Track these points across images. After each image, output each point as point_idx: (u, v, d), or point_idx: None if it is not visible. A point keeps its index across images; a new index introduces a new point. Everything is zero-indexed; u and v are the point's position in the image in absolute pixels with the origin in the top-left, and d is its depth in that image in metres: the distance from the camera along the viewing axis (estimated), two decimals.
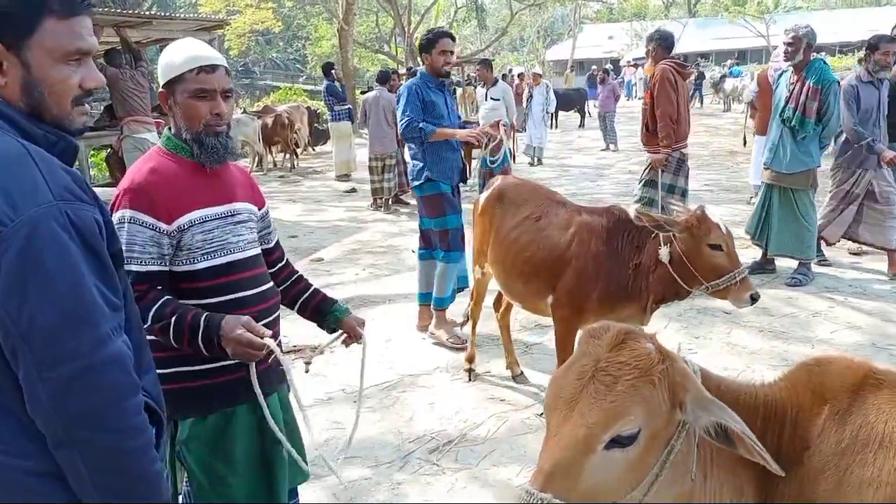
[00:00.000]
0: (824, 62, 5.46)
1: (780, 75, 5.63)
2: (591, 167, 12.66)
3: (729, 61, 28.01)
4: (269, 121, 13.04)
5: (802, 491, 1.32)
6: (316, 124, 17.01)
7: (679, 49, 36.26)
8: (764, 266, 5.74)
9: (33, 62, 1.23)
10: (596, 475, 1.24)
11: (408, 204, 9.43)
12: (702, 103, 24.03)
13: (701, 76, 24.33)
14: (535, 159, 13.02)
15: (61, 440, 1.15)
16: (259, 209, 2.09)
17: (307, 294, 2.23)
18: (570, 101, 20.71)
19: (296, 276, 2.26)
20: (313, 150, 16.81)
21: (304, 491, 2.70)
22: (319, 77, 39.58)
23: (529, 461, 3.21)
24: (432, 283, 4.69)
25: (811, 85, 5.20)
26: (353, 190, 11.04)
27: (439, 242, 4.60)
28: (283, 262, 2.25)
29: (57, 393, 1.12)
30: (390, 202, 9.50)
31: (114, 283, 1.22)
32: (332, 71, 12.04)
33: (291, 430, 2.12)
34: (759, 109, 7.15)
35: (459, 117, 6.29)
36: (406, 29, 27.39)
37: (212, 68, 1.86)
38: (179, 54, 1.87)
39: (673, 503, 1.34)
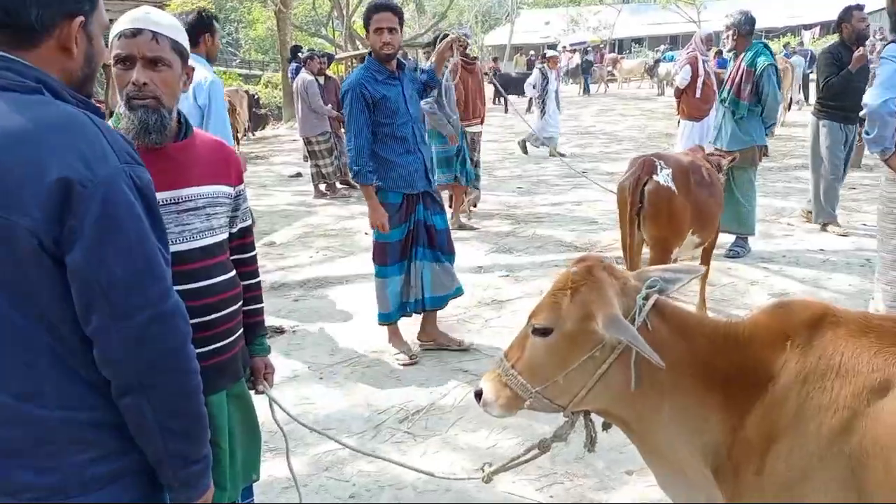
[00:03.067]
0: (765, 46, 5.77)
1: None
2: (536, 152, 12.88)
3: (662, 47, 28.83)
4: None
5: (766, 416, 1.48)
6: (255, 109, 16.73)
7: (614, 34, 37.13)
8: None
9: (94, 34, 1.31)
10: (528, 352, 1.70)
11: (356, 187, 9.42)
12: (588, 92, 24.73)
13: (588, 63, 25.03)
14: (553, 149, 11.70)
15: (131, 387, 1.23)
16: (234, 187, 1.93)
17: (248, 308, 2.04)
18: (521, 84, 20.88)
19: (252, 281, 2.07)
20: (253, 134, 16.54)
21: (283, 464, 2.76)
22: (255, 60, 38.77)
23: (496, 426, 3.35)
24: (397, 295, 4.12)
25: (745, 68, 5.55)
26: (299, 175, 10.94)
27: (375, 253, 4.10)
28: (246, 257, 2.06)
29: (131, 342, 1.21)
30: (336, 186, 9.45)
31: (165, 239, 1.31)
32: (300, 54, 11.76)
33: (250, 426, 2.07)
34: (688, 94, 7.43)
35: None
36: (344, 11, 27.05)
37: (132, 33, 1.70)
38: (117, 24, 1.76)
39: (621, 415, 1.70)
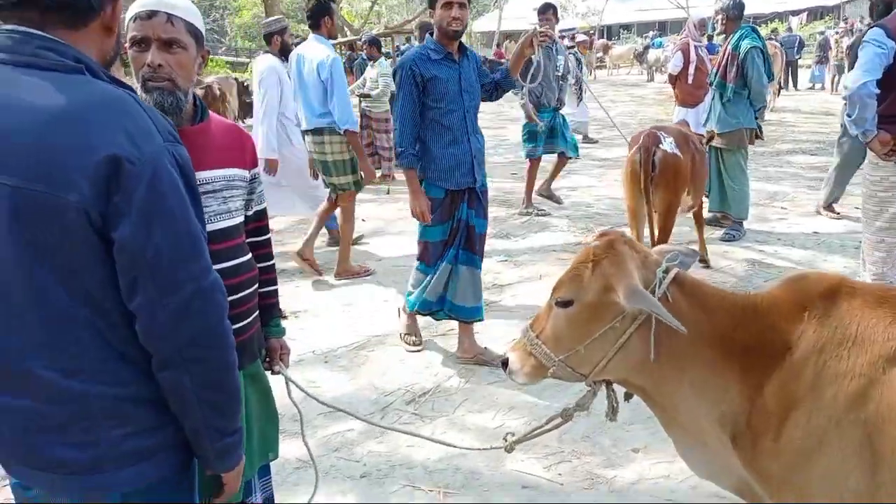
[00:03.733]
0: (753, 29, 5.84)
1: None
2: None
3: (651, 33, 28.84)
4: (200, 92, 12.57)
5: (784, 386, 1.53)
6: (244, 96, 16.60)
7: (603, 21, 37.03)
8: (720, 221, 6.09)
9: (119, 16, 1.34)
10: (552, 322, 1.76)
11: None
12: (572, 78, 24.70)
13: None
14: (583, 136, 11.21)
15: (172, 361, 1.26)
16: (249, 171, 1.95)
17: (263, 290, 2.08)
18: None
19: (267, 264, 2.12)
20: (243, 122, 16.43)
21: (294, 445, 2.79)
22: (242, 48, 38.38)
23: (501, 407, 3.40)
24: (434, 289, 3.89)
25: (730, 51, 5.69)
26: None
27: (418, 250, 3.95)
28: (261, 240, 2.09)
29: (175, 316, 1.23)
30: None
31: (203, 217, 1.34)
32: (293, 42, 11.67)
33: (267, 405, 2.10)
34: (681, 80, 7.50)
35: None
36: None
37: (147, 15, 1.70)
38: (132, 6, 1.76)
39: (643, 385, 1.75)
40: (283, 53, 5.52)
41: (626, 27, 37.99)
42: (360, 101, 9.07)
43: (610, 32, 37.82)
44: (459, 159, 3.67)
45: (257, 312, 2.02)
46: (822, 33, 21.58)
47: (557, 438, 3.07)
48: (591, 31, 33.97)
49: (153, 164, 1.21)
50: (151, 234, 1.20)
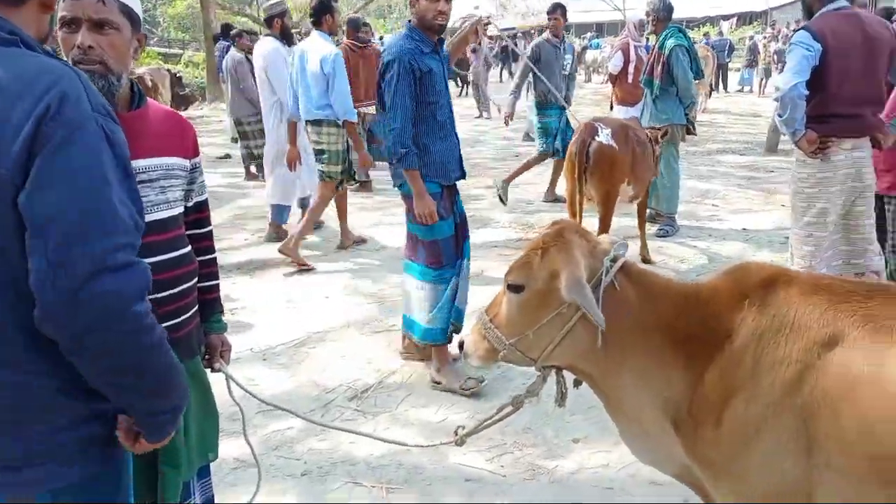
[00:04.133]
0: (679, 30, 6.07)
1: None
2: (468, 134, 12.96)
3: (588, 34, 29.37)
4: None
5: (724, 373, 1.57)
6: (178, 88, 16.13)
7: (543, 21, 37.55)
8: (654, 217, 6.24)
9: None
10: (504, 307, 1.79)
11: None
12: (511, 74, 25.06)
13: (504, 49, 25.33)
14: None
15: (73, 349, 1.15)
16: (189, 160, 1.88)
17: (203, 284, 1.99)
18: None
19: (208, 257, 2.02)
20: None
21: (232, 444, 2.72)
22: (175, 39, 37.25)
23: (444, 402, 3.39)
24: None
25: (657, 50, 5.96)
26: (227, 156, 10.64)
27: (426, 256, 3.54)
28: (202, 232, 2.00)
29: (67, 298, 1.10)
30: None
31: (139, 205, 1.25)
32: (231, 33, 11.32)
33: (207, 404, 2.02)
34: (621, 79, 7.66)
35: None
36: None
37: None
38: None
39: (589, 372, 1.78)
40: (284, 36, 5.83)
41: (565, 28, 38.58)
42: None
43: None
44: (451, 154, 3.56)
45: (197, 307, 1.94)
46: (751, 38, 22.43)
47: (500, 431, 3.07)
48: (532, 31, 34.43)
49: (69, 127, 1.13)
50: (47, 196, 1.10)
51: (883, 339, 1.44)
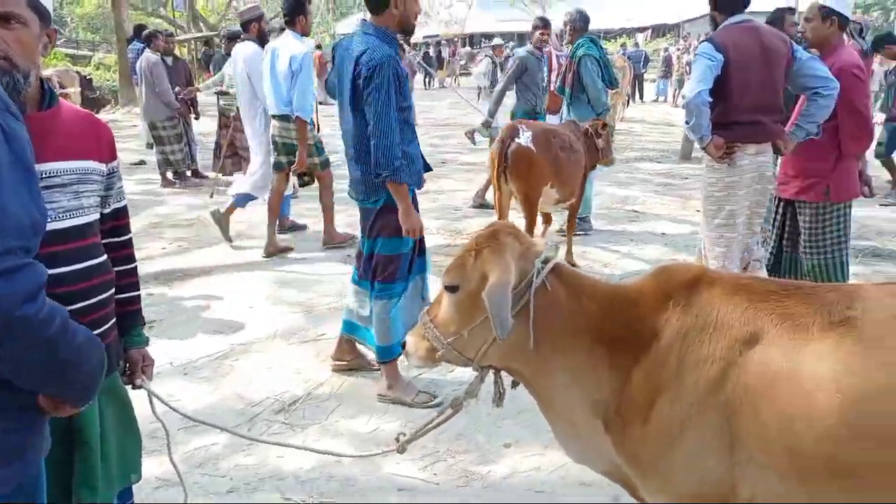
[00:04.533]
0: (592, 40, 6.26)
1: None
2: None
3: (511, 43, 29.83)
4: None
5: (651, 372, 1.61)
6: (87, 91, 15.43)
7: (466, 29, 37.93)
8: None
9: None
10: (441, 306, 1.82)
11: (206, 177, 8.96)
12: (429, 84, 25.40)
13: (425, 56, 25.73)
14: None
15: None
16: (106, 164, 1.78)
17: (123, 296, 1.90)
18: None
19: (127, 267, 1.93)
20: None
21: (154, 463, 2.60)
22: (84, 40, 35.61)
23: (376, 411, 3.35)
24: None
25: (569, 59, 6.21)
26: (142, 162, 10.24)
27: (381, 271, 3.34)
28: (121, 240, 1.90)
29: None
30: (187, 175, 8.94)
31: (42, 206, 1.17)
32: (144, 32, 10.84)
33: (128, 423, 1.93)
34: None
35: None
36: None
37: None
38: None
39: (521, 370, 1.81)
40: (261, 39, 6.04)
41: (488, 36, 39.06)
42: (218, 99, 8.68)
43: (472, 41, 38.80)
44: (419, 158, 3.39)
45: (114, 320, 1.85)
46: (665, 49, 23.32)
47: (433, 438, 3.05)
48: (455, 39, 34.76)
49: None
50: None
51: (799, 336, 1.50)
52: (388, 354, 3.40)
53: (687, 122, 3.78)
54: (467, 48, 33.05)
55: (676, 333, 1.60)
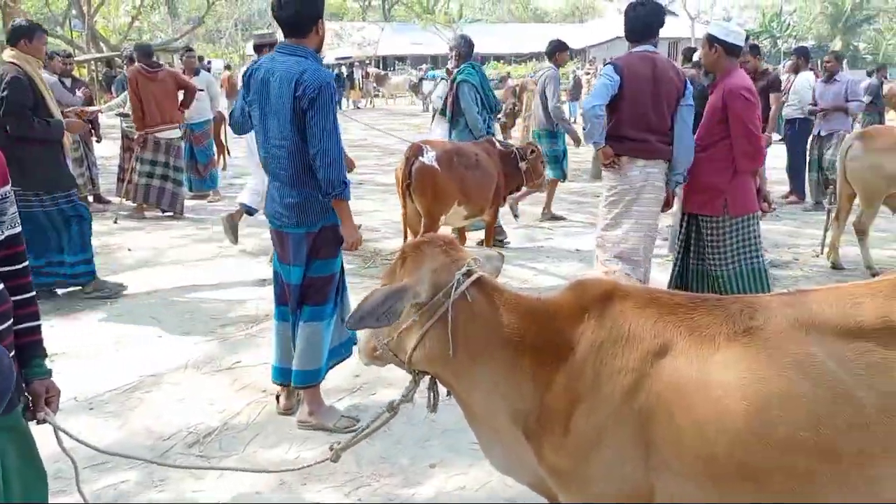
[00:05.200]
0: (472, 66, 6.42)
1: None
2: None
3: (424, 65, 30.23)
4: None
5: (568, 382, 1.66)
6: None
7: (379, 52, 38.14)
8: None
9: None
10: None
11: (109, 202, 8.58)
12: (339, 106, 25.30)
13: (339, 77, 25.69)
14: None
15: None
16: None
17: (21, 326, 1.80)
18: None
19: (25, 296, 1.81)
20: None
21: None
22: None
23: (296, 438, 3.26)
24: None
25: (451, 84, 6.39)
26: None
27: (315, 294, 3.26)
28: (17, 268, 1.79)
29: None
30: (88, 200, 8.52)
31: None
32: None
33: (31, 462, 1.82)
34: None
35: None
36: (85, 9, 24.61)
37: None
38: None
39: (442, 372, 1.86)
40: None
41: (401, 59, 39.43)
42: (122, 122, 8.36)
43: (385, 63, 39.01)
44: None
45: (13, 353, 1.73)
46: (574, 72, 24.15)
47: (355, 463, 3.01)
48: (368, 61, 34.85)
49: None
50: None
51: (707, 346, 1.58)
52: (313, 379, 3.31)
53: (584, 129, 4.42)
54: (379, 70, 33.20)
55: (591, 346, 1.66)
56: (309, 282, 3.26)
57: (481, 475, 2.90)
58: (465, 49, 6.46)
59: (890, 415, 1.46)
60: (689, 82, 4.33)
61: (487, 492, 2.82)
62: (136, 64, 7.76)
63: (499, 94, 13.61)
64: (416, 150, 5.00)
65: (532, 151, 5.81)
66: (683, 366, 1.57)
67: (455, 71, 6.42)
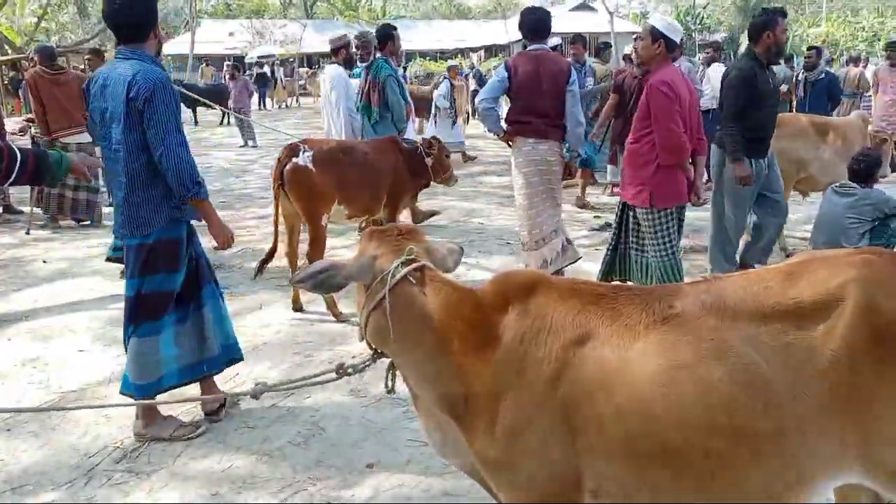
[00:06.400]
0: (385, 61, 6.43)
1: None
2: (233, 164, 12.50)
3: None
4: None
5: (495, 371, 1.70)
6: None
7: (302, 49, 37.54)
8: None
9: None
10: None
11: (21, 212, 8.16)
12: (263, 105, 24.91)
13: (263, 76, 25.32)
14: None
15: None
16: None
17: None
18: (210, 96, 20.47)
19: None
20: None
21: None
22: None
23: (228, 448, 3.19)
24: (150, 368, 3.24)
25: (372, 78, 6.34)
26: None
27: (149, 309, 3.18)
28: None
29: None
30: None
31: None
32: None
33: None
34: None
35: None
36: None
37: None
38: None
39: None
40: (347, 63, 6.96)
41: (326, 56, 38.90)
42: (31, 127, 7.96)
43: (310, 61, 38.44)
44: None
45: None
46: (495, 68, 24.40)
47: (290, 469, 2.98)
48: (291, 59, 34.27)
49: None
50: None
51: (628, 334, 1.64)
52: (147, 391, 3.20)
53: (482, 120, 5.39)
54: (305, 68, 32.70)
55: (516, 335, 1.70)
56: (143, 297, 3.17)
57: (418, 472, 2.91)
58: (376, 43, 6.48)
59: (800, 394, 1.54)
60: (571, 71, 5.04)
61: (425, 487, 2.84)
62: (37, 67, 7.42)
63: (425, 91, 13.66)
64: (290, 151, 4.83)
65: (430, 146, 5.68)
66: (605, 354, 1.63)
67: (369, 65, 6.41)
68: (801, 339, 1.56)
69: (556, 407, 1.64)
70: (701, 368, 1.56)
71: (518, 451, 1.67)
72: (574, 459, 1.64)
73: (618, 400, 1.58)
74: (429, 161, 5.62)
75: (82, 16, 35.06)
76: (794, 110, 8.42)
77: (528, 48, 4.99)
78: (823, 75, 7.71)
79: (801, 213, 7.41)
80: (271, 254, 4.82)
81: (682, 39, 4.38)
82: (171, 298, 3.22)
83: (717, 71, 8.99)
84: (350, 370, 2.01)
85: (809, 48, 11.00)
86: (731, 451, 1.54)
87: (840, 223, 4.84)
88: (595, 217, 7.68)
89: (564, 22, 37.56)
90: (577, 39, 8.58)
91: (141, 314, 3.18)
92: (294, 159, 4.75)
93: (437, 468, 2.90)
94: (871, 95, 10.80)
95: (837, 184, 5.04)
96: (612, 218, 7.23)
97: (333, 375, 2.03)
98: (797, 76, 8.48)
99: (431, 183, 5.86)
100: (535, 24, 4.98)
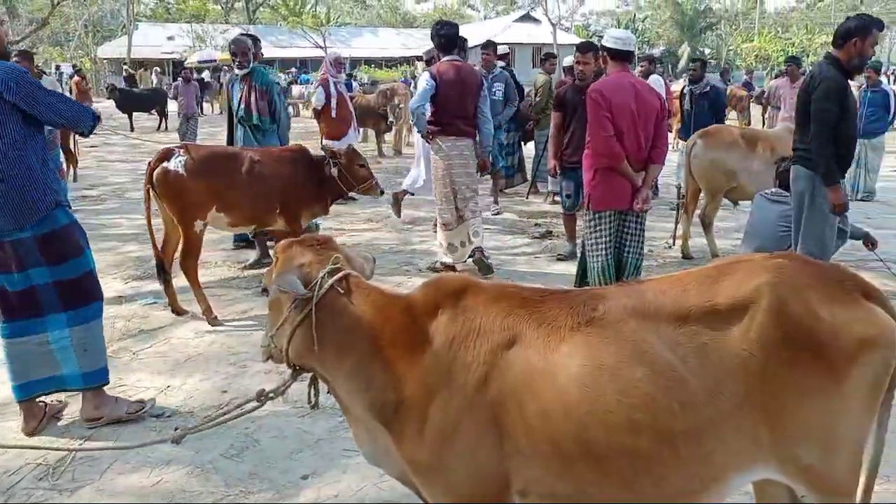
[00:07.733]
0: (263, 68, 6.20)
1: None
2: None
3: (293, 69, 29.66)
4: None
5: (424, 376, 1.71)
6: None
7: None
8: None
9: None
10: None
11: None
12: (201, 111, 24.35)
13: (203, 81, 24.83)
14: None
15: None
16: None
17: None
18: (148, 101, 20.08)
19: None
20: None
21: None
22: None
23: (158, 462, 3.10)
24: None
25: (257, 87, 5.90)
26: None
27: (78, 294, 3.27)
28: None
29: None
30: None
31: None
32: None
33: None
34: (325, 114, 7.99)
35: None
36: None
37: None
38: None
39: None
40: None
41: (269, 62, 38.39)
42: None
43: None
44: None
45: None
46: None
47: (224, 483, 2.91)
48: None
49: None
50: None
51: (553, 337, 1.67)
52: (102, 377, 3.39)
53: (412, 121, 5.92)
54: None
55: (445, 339, 1.72)
56: (67, 284, 3.25)
57: (354, 482, 2.89)
58: (256, 49, 6.17)
59: (716, 393, 1.60)
60: (483, 80, 5.91)
61: (361, 497, 2.81)
62: None
63: (370, 98, 13.63)
64: (162, 155, 4.68)
65: (335, 156, 5.25)
66: (531, 356, 1.65)
67: (248, 72, 5.91)
68: (716, 341, 1.61)
69: (483, 409, 1.65)
70: (622, 369, 1.60)
71: (447, 455, 1.68)
72: (502, 461, 1.66)
73: (543, 401, 1.61)
74: (333, 172, 5.16)
75: (12, 16, 33.73)
76: (681, 123, 8.67)
77: (446, 58, 5.60)
78: (709, 88, 7.95)
79: (732, 222, 7.67)
80: (159, 259, 4.81)
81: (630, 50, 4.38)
82: (94, 276, 3.36)
83: (652, 82, 9.25)
84: (272, 395, 1.99)
85: (787, 59, 11.60)
86: (652, 449, 1.58)
87: (773, 230, 4.99)
88: (535, 225, 7.78)
89: (510, 32, 38.13)
90: (489, 45, 8.47)
91: (73, 301, 3.28)
92: (165, 163, 4.62)
93: (374, 478, 2.88)
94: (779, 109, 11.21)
95: (769, 191, 5.20)
96: (553, 226, 7.42)
97: (255, 404, 2.02)
98: (682, 89, 8.72)
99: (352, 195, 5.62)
100: (449, 39, 5.65)
